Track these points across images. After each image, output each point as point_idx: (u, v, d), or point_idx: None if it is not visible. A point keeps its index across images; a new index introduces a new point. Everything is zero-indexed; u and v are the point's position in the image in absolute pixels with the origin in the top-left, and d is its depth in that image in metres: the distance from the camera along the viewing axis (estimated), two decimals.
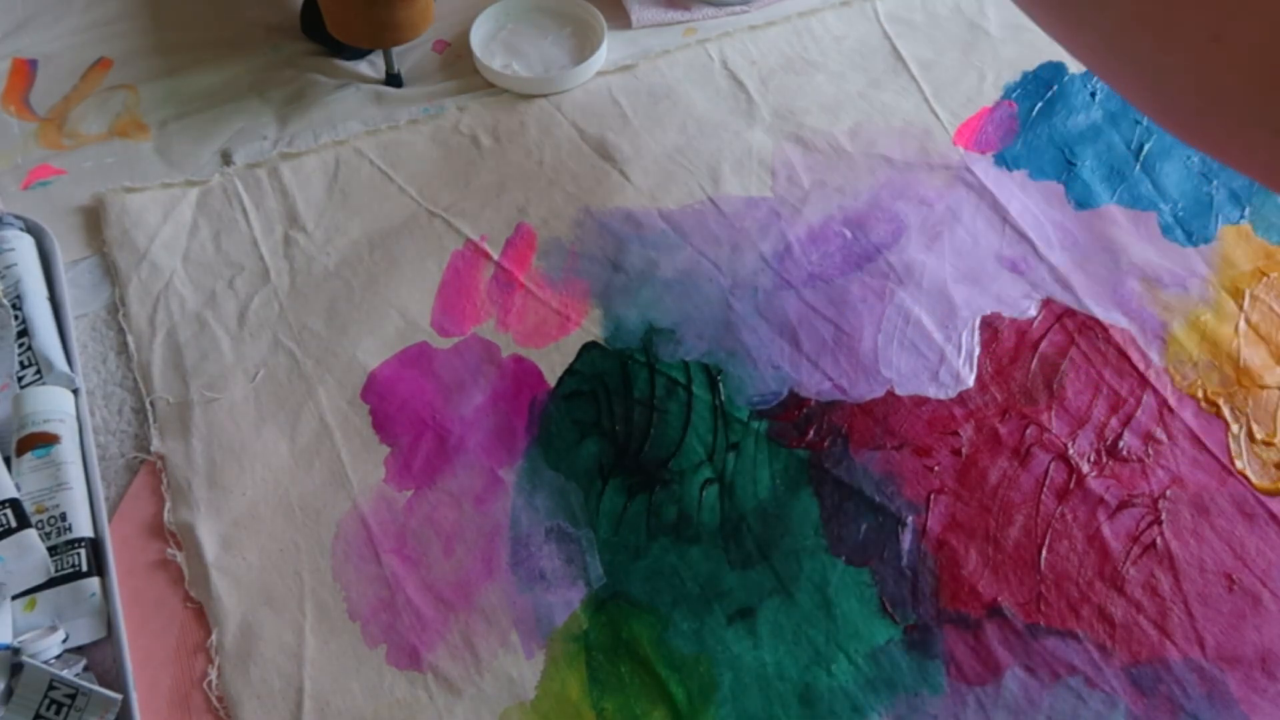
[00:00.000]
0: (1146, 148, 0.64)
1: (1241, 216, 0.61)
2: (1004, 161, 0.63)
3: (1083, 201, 0.61)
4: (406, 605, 0.46)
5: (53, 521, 0.46)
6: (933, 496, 0.50)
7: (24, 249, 0.55)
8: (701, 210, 0.61)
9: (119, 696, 0.41)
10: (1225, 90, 0.34)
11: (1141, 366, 0.54)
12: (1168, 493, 0.50)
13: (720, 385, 0.53)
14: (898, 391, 0.53)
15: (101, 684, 0.42)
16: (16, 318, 0.52)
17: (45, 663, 0.42)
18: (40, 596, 0.44)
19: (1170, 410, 0.53)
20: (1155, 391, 0.53)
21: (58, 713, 0.41)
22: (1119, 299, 0.57)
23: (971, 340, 0.55)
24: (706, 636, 0.46)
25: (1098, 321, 0.56)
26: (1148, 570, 0.47)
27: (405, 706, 0.44)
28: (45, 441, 0.48)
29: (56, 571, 0.45)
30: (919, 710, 0.44)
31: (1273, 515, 0.49)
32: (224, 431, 0.51)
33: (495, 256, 0.58)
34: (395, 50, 0.66)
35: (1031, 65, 0.69)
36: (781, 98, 0.67)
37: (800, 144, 0.64)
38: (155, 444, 0.51)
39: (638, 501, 0.49)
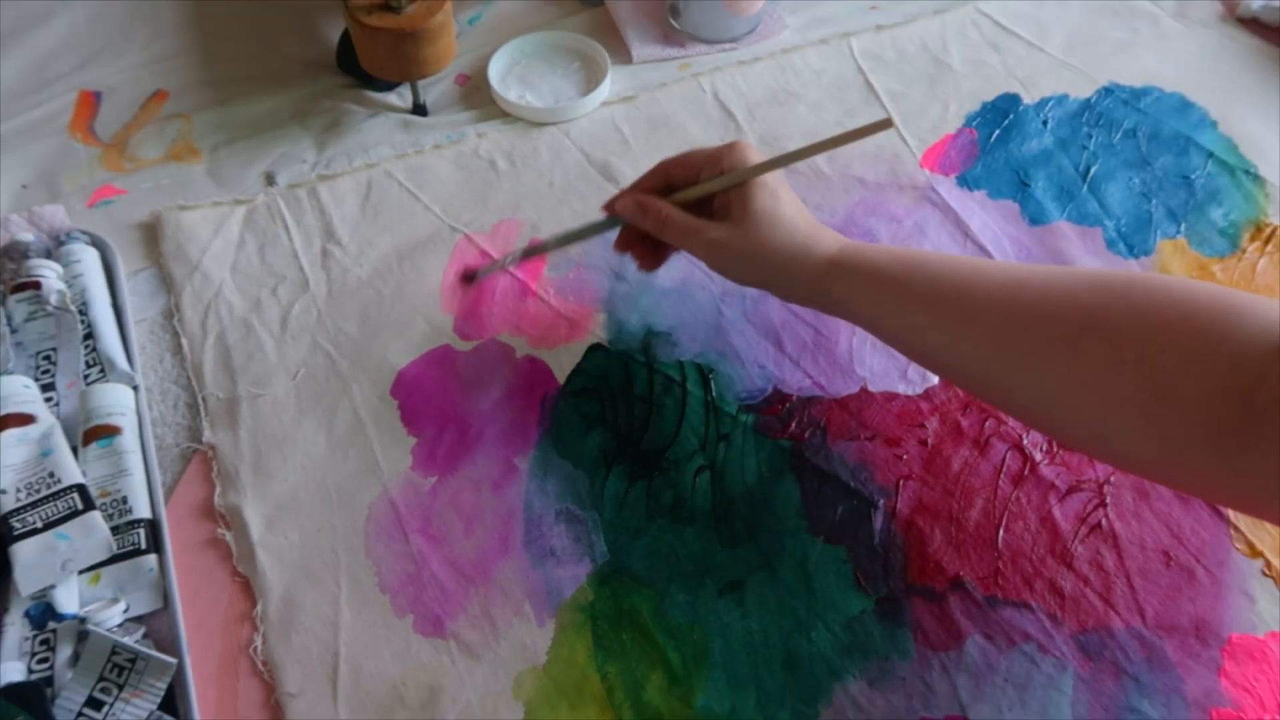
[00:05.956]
0: (1093, 170, 0.64)
1: (1178, 231, 0.61)
2: (965, 182, 0.63)
3: (1036, 218, 0.61)
4: (431, 579, 0.46)
5: (115, 504, 0.46)
6: (902, 482, 0.50)
7: (89, 261, 0.55)
8: None
9: (174, 661, 0.41)
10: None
11: None
12: (1112, 478, 0.50)
13: (712, 383, 0.53)
14: (871, 388, 0.53)
15: (158, 650, 0.43)
16: (83, 322, 0.52)
17: (108, 630, 0.42)
18: (104, 571, 0.44)
19: None
20: None
21: (119, 675, 0.41)
22: None
23: None
24: (700, 607, 0.46)
25: None
26: (1094, 548, 0.47)
27: (430, 670, 0.44)
28: (108, 433, 0.48)
29: (118, 549, 0.45)
30: (889, 673, 0.44)
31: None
32: (268, 424, 0.51)
33: (511, 268, 0.58)
34: (421, 83, 0.66)
35: (990, 96, 0.69)
36: (767, 125, 0.67)
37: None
38: (206, 435, 0.51)
39: (638, 487, 0.49)
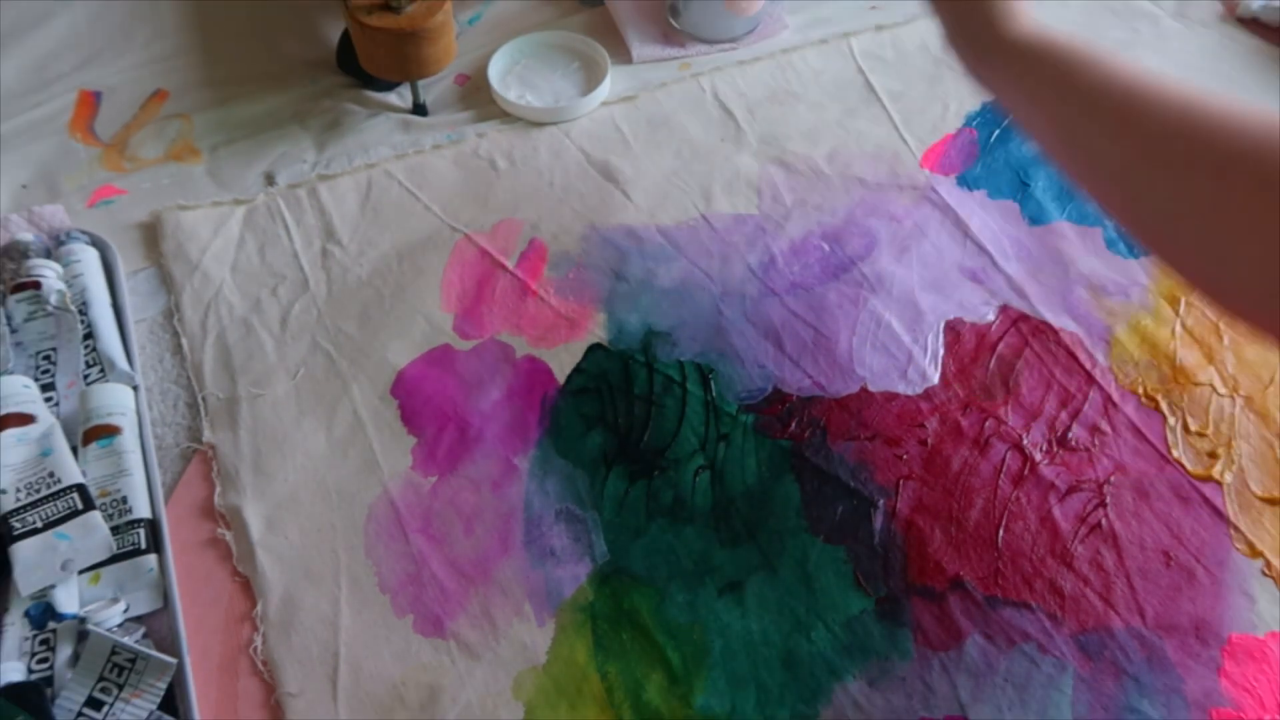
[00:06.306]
0: None
1: None
2: (965, 182, 0.63)
3: (1036, 218, 0.61)
4: (431, 579, 0.46)
5: (115, 504, 0.46)
6: (902, 482, 0.50)
7: (89, 260, 0.55)
8: (695, 226, 0.61)
9: (174, 661, 0.41)
10: None
11: (1088, 365, 0.54)
12: (1112, 479, 0.50)
13: (712, 383, 0.53)
14: (870, 388, 0.53)
15: (158, 650, 0.42)
16: (83, 322, 0.52)
17: (108, 630, 0.42)
18: (104, 571, 0.44)
19: (1114, 405, 0.53)
20: (1100, 388, 0.53)
21: (119, 675, 0.41)
22: (1068, 305, 0.57)
23: (936, 342, 0.55)
24: (699, 607, 0.46)
25: (1049, 325, 0.56)
26: (1094, 548, 0.47)
27: (430, 670, 0.44)
28: (108, 433, 0.48)
29: (118, 549, 0.45)
30: (889, 673, 0.44)
31: (1205, 499, 0.49)
32: (268, 424, 0.51)
33: (511, 267, 0.58)
34: (421, 83, 0.66)
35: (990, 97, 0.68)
36: (766, 125, 0.67)
37: (783, 167, 0.64)
38: (206, 435, 0.51)
39: (638, 487, 0.49)
